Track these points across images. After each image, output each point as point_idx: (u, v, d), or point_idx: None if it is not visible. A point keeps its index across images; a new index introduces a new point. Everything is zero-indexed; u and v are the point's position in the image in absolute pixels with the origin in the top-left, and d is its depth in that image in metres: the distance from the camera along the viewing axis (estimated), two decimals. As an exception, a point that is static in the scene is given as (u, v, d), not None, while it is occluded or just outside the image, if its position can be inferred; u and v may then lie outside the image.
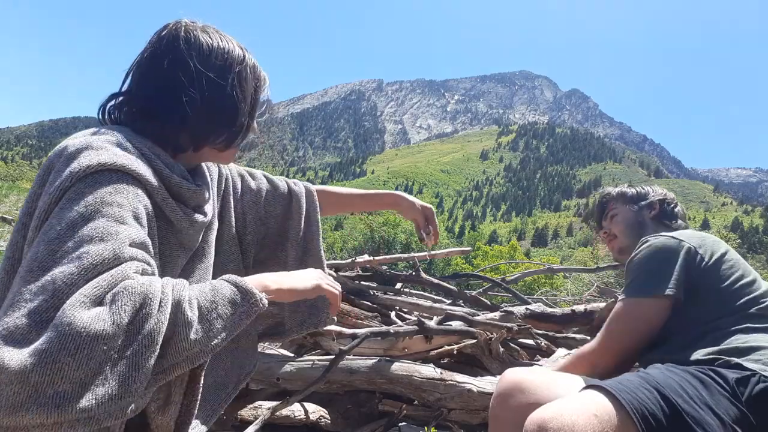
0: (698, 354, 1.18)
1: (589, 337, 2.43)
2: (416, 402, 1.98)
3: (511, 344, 2.34)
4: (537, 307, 2.69)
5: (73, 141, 0.83)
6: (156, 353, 0.66)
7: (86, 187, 0.75)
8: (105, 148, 0.81)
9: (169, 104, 0.92)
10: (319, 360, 2.03)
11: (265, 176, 1.34)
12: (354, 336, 2.11)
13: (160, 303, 0.69)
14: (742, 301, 1.25)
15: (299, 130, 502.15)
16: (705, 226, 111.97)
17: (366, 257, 3.28)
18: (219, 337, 0.74)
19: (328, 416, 1.95)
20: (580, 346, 2.37)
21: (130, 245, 0.73)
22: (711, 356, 1.16)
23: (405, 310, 2.85)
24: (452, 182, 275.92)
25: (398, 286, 3.23)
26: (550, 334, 2.49)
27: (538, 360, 2.29)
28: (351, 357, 2.03)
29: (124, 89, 0.98)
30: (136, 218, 0.78)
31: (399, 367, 1.95)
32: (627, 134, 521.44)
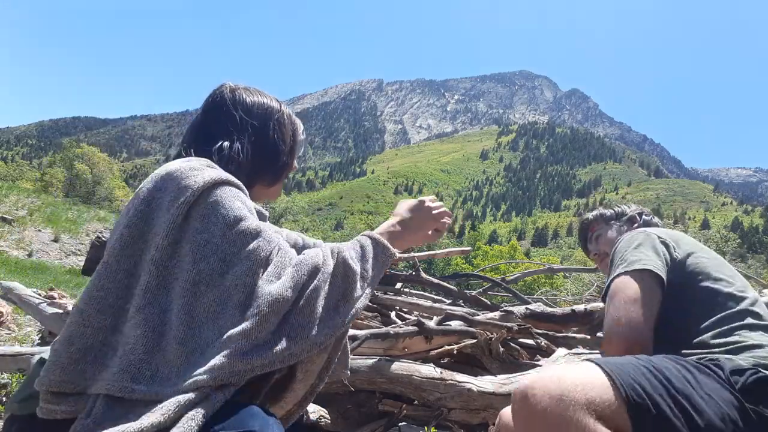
0: (691, 353, 1.18)
1: (588, 337, 2.43)
2: (416, 402, 1.98)
3: (511, 344, 2.34)
4: (537, 306, 2.70)
5: (174, 166, 0.95)
6: (328, 304, 0.89)
7: (210, 198, 0.89)
8: (204, 169, 0.94)
9: (224, 151, 1.06)
10: (319, 360, 2.02)
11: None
12: (354, 337, 2.11)
13: (325, 265, 0.91)
14: (726, 298, 1.24)
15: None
16: (705, 225, 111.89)
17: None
18: (374, 281, 0.98)
19: (327, 416, 1.95)
20: (580, 345, 2.38)
21: (273, 233, 0.94)
22: (704, 353, 1.16)
23: (405, 310, 2.85)
24: (452, 182, 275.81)
25: (398, 286, 3.23)
26: (550, 333, 2.49)
27: (538, 360, 2.29)
28: (351, 357, 2.03)
29: (185, 142, 1.12)
30: (252, 213, 0.95)
31: (399, 367, 1.95)
32: (627, 134, 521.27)
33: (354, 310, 0.91)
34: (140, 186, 0.96)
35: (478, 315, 2.59)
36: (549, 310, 2.70)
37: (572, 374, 0.96)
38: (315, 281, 0.88)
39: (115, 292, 0.87)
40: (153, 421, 0.71)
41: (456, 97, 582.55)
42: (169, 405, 0.73)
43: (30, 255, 12.32)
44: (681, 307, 1.28)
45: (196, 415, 0.72)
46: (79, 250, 14.16)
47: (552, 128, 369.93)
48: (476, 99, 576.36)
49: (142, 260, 0.88)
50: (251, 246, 0.87)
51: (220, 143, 1.07)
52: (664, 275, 1.29)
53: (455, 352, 2.24)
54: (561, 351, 2.16)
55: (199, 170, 0.93)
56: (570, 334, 2.53)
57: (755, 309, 1.24)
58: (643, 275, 1.28)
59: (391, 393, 1.98)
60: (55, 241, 14.37)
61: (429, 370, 1.93)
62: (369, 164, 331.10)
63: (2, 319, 3.89)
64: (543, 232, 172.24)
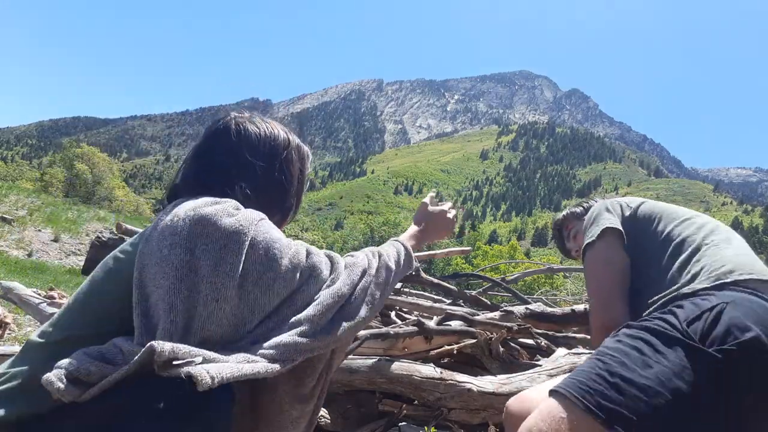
0: (654, 302, 1.20)
1: (588, 337, 2.43)
2: (416, 402, 1.98)
3: (511, 344, 2.34)
4: (537, 306, 2.70)
5: (209, 209, 0.93)
6: (371, 298, 1.04)
7: (260, 237, 0.93)
8: (241, 209, 0.97)
9: (226, 194, 1.03)
10: (319, 360, 2.02)
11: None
12: (354, 338, 2.11)
13: (371, 267, 1.07)
14: (679, 239, 1.29)
15: (299, 130, 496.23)
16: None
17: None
18: (397, 278, 1.15)
19: (327, 416, 1.95)
20: (580, 345, 2.38)
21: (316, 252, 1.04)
22: (664, 299, 1.18)
23: (405, 309, 2.85)
24: (452, 182, 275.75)
25: (398, 285, 3.23)
26: (550, 333, 2.50)
27: (538, 360, 2.29)
28: (351, 356, 2.03)
29: (179, 180, 1.11)
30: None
31: (399, 367, 1.95)
32: (627, 134, 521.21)
33: (383, 299, 1.08)
34: (169, 225, 0.92)
35: (478, 315, 2.59)
36: (549, 310, 2.70)
37: (539, 424, 0.96)
38: (363, 281, 1.02)
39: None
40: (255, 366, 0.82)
41: (456, 97, 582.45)
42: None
43: (30, 255, 12.32)
44: (644, 255, 1.33)
45: (256, 366, 0.81)
46: (79, 250, 14.15)
47: (552, 128, 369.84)
48: (476, 99, 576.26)
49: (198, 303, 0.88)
50: (313, 268, 0.98)
51: (220, 188, 1.04)
52: (620, 228, 1.37)
53: (455, 352, 2.24)
54: (561, 351, 2.16)
55: (239, 211, 0.95)
56: (570, 334, 2.53)
57: (713, 235, 1.28)
58: (603, 235, 1.37)
59: (391, 393, 1.98)
60: (55, 241, 14.37)
61: (429, 370, 1.93)
62: (369, 164, 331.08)
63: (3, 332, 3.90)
64: (543, 232, 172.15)
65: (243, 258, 0.90)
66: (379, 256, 1.11)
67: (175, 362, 0.76)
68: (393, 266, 1.12)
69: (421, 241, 1.30)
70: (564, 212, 1.87)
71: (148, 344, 0.77)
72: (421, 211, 1.36)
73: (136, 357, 0.77)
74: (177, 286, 0.88)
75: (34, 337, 0.95)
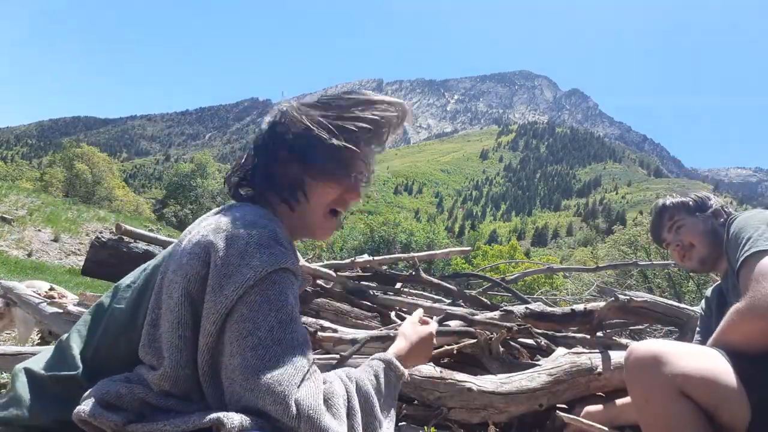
0: None
1: (588, 336, 2.43)
2: (416, 401, 1.98)
3: (511, 343, 2.34)
4: (537, 306, 2.69)
5: (240, 230, 0.88)
6: None
7: (269, 287, 0.84)
8: (272, 246, 0.88)
9: (280, 203, 1.04)
10: (318, 359, 2.03)
11: None
12: (354, 341, 2.11)
13: (350, 398, 0.87)
14: None
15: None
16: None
17: (366, 257, 3.28)
18: (391, 413, 0.98)
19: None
20: (579, 345, 2.37)
21: (308, 348, 0.88)
22: None
23: (405, 310, 2.85)
24: (452, 182, 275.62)
25: (398, 286, 3.23)
26: (550, 333, 2.50)
27: (538, 359, 2.29)
28: (351, 357, 2.03)
29: (243, 170, 1.09)
30: (299, 312, 0.91)
31: (399, 367, 1.94)
32: (627, 134, 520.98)
33: None
34: (200, 233, 0.91)
35: (477, 315, 2.59)
36: (549, 309, 2.70)
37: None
38: (351, 421, 0.85)
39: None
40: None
41: (456, 96, 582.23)
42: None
43: (30, 255, 12.32)
44: None
45: None
46: (78, 250, 14.15)
47: (552, 128, 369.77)
48: (476, 99, 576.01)
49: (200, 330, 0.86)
50: (294, 353, 0.82)
51: (272, 191, 1.03)
52: None
53: (455, 351, 2.24)
54: (561, 350, 2.16)
55: (266, 247, 0.88)
56: (570, 334, 2.53)
57: None
58: None
59: (390, 392, 1.98)
60: (55, 240, 14.37)
61: (429, 369, 1.92)
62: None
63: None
64: (543, 232, 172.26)
65: (243, 293, 0.83)
66: (357, 383, 0.93)
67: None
68: (374, 399, 0.93)
69: (406, 361, 1.10)
70: (673, 199, 1.77)
71: (216, 416, 0.75)
72: (412, 329, 1.18)
73: (197, 420, 0.76)
74: (186, 300, 0.86)
75: None
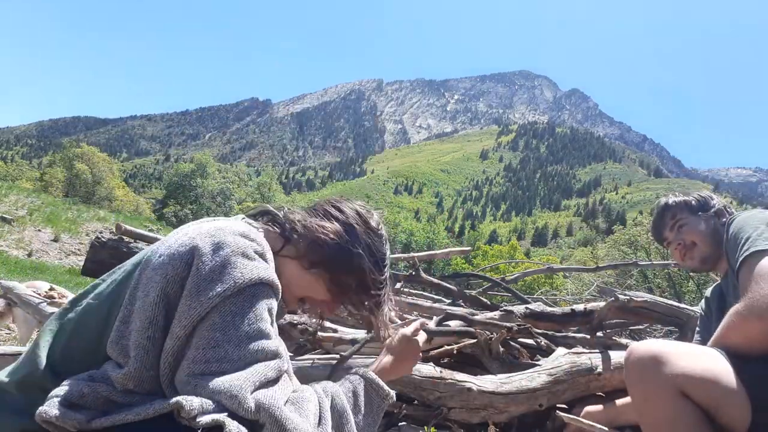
0: None
1: (588, 336, 2.43)
2: (416, 401, 1.98)
3: (511, 343, 2.34)
4: (537, 306, 2.69)
5: (227, 238, 0.88)
6: None
7: (245, 300, 0.84)
8: (256, 259, 0.89)
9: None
10: (318, 359, 2.03)
11: None
12: (354, 341, 2.10)
13: (322, 410, 0.86)
14: None
15: (299, 130, 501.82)
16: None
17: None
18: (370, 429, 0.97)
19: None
20: (579, 345, 2.37)
21: (282, 361, 0.87)
22: None
23: (404, 310, 2.85)
24: (452, 182, 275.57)
25: (398, 286, 3.23)
26: (550, 333, 2.49)
27: (538, 359, 2.29)
28: (351, 357, 2.03)
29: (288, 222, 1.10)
30: (275, 328, 0.91)
31: (399, 367, 1.95)
32: (627, 134, 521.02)
33: None
34: (186, 233, 0.91)
35: (477, 315, 2.59)
36: (549, 309, 2.70)
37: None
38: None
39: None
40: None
41: (456, 96, 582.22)
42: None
43: (30, 255, 12.32)
44: None
45: None
46: (78, 250, 14.15)
47: (552, 128, 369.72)
48: (476, 99, 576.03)
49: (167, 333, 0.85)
50: (259, 369, 0.81)
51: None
52: None
53: (455, 351, 2.24)
54: (561, 350, 2.16)
55: (250, 260, 0.88)
56: (570, 334, 2.53)
57: None
58: None
59: (390, 392, 1.98)
60: (55, 240, 14.37)
61: (429, 370, 1.92)
62: (369, 164, 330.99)
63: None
64: (543, 232, 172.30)
65: (217, 301, 0.83)
66: (333, 399, 0.92)
67: (201, 417, 0.74)
68: (350, 416, 0.92)
69: (391, 372, 1.13)
70: (675, 198, 1.78)
71: (175, 400, 0.75)
72: (399, 347, 1.18)
73: (157, 406, 0.76)
74: (162, 300, 0.85)
75: None
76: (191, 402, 0.74)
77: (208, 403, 0.75)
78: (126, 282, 0.93)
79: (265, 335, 0.84)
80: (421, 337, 1.21)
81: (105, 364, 0.87)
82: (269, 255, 0.94)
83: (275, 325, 0.91)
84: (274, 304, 0.90)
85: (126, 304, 0.88)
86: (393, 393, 1.03)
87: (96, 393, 0.80)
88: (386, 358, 1.13)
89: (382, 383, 1.02)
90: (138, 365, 0.83)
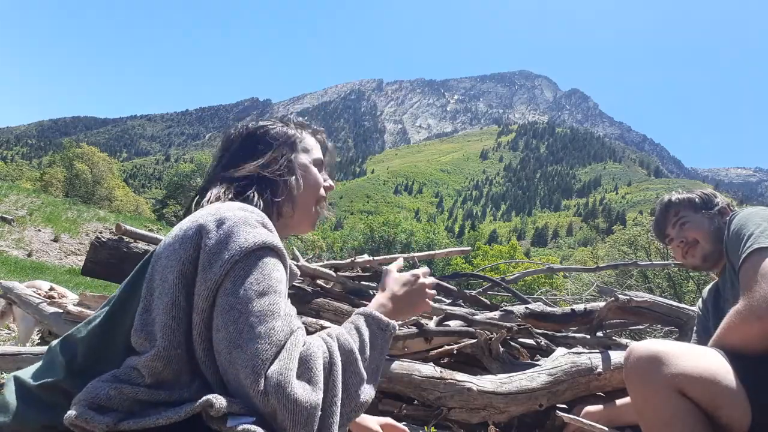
0: None
1: (588, 336, 2.43)
2: (416, 401, 1.98)
3: (511, 343, 2.34)
4: (537, 306, 2.70)
5: (228, 213, 0.93)
6: (341, 396, 0.87)
7: (253, 263, 0.88)
8: (258, 227, 0.93)
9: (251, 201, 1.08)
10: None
11: None
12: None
13: (331, 354, 0.88)
14: None
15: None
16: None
17: (366, 257, 3.28)
18: (379, 366, 0.98)
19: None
20: (579, 345, 2.37)
21: (293, 317, 0.91)
22: None
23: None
24: (452, 182, 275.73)
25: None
26: (550, 333, 2.49)
27: (538, 359, 2.29)
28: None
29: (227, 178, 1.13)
30: (285, 290, 0.94)
31: (399, 366, 1.95)
32: (627, 134, 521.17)
33: (355, 404, 0.91)
34: (190, 219, 0.94)
35: (477, 315, 2.59)
36: (549, 309, 2.70)
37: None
38: (332, 377, 0.87)
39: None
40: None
41: (456, 96, 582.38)
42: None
43: (30, 255, 12.33)
44: None
45: None
46: (78, 250, 14.16)
47: (552, 128, 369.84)
48: (476, 99, 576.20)
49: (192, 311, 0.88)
50: (273, 325, 0.84)
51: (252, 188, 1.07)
52: None
53: (455, 351, 2.24)
54: (560, 350, 2.16)
55: (252, 227, 0.92)
56: (570, 334, 2.53)
57: None
58: None
59: (390, 392, 1.98)
60: (55, 240, 14.38)
61: (429, 370, 1.93)
62: (369, 164, 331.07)
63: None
64: (543, 232, 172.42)
65: (230, 268, 0.86)
66: (337, 339, 0.93)
67: (230, 421, 0.76)
68: (358, 355, 0.93)
69: (392, 314, 1.06)
70: (679, 195, 1.77)
71: (204, 398, 0.78)
72: (393, 277, 1.13)
73: (187, 408, 0.78)
74: (181, 282, 0.87)
75: None
76: (220, 401, 0.77)
77: (235, 405, 0.79)
78: (139, 278, 0.95)
79: (276, 292, 0.88)
80: (421, 270, 1.14)
81: (128, 359, 0.88)
82: (271, 225, 0.98)
83: (285, 287, 0.94)
84: (281, 266, 0.94)
85: (145, 295, 0.90)
86: (394, 323, 1.02)
87: (122, 394, 0.82)
88: (382, 296, 1.09)
89: (379, 314, 1.01)
90: (166, 344, 0.85)
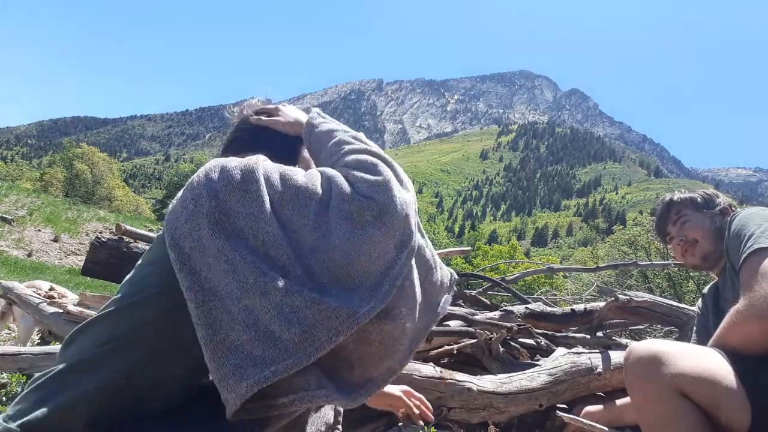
0: None
1: (588, 336, 2.43)
2: (416, 401, 1.98)
3: (511, 343, 2.34)
4: (537, 306, 2.70)
5: (213, 162, 0.95)
6: None
7: (266, 165, 0.96)
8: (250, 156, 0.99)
9: None
10: (319, 359, 2.02)
11: None
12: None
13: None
14: None
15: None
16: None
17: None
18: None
19: (328, 415, 1.95)
20: (579, 345, 2.37)
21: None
22: None
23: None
24: (452, 182, 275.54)
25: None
26: (550, 333, 2.50)
27: (538, 359, 2.29)
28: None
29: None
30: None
31: (399, 367, 1.94)
32: (627, 134, 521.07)
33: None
34: (187, 185, 0.92)
35: (477, 315, 2.59)
36: (549, 309, 2.70)
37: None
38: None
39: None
40: None
41: (456, 96, 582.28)
42: None
43: (30, 255, 12.33)
44: None
45: None
46: (78, 250, 14.16)
47: (552, 128, 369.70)
48: (476, 99, 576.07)
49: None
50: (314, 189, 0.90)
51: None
52: None
53: (455, 351, 2.24)
54: (560, 350, 2.16)
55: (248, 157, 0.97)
56: (570, 334, 2.53)
57: None
58: None
59: (390, 392, 1.98)
60: (55, 240, 14.38)
61: (429, 370, 1.93)
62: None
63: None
64: (543, 232, 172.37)
65: (263, 185, 0.87)
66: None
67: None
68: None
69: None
70: (681, 194, 1.78)
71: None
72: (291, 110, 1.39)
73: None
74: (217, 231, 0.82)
75: None
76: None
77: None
78: (147, 276, 0.94)
79: (297, 175, 0.95)
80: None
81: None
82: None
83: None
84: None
85: (183, 260, 0.83)
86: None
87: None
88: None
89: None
90: (291, 252, 0.85)
